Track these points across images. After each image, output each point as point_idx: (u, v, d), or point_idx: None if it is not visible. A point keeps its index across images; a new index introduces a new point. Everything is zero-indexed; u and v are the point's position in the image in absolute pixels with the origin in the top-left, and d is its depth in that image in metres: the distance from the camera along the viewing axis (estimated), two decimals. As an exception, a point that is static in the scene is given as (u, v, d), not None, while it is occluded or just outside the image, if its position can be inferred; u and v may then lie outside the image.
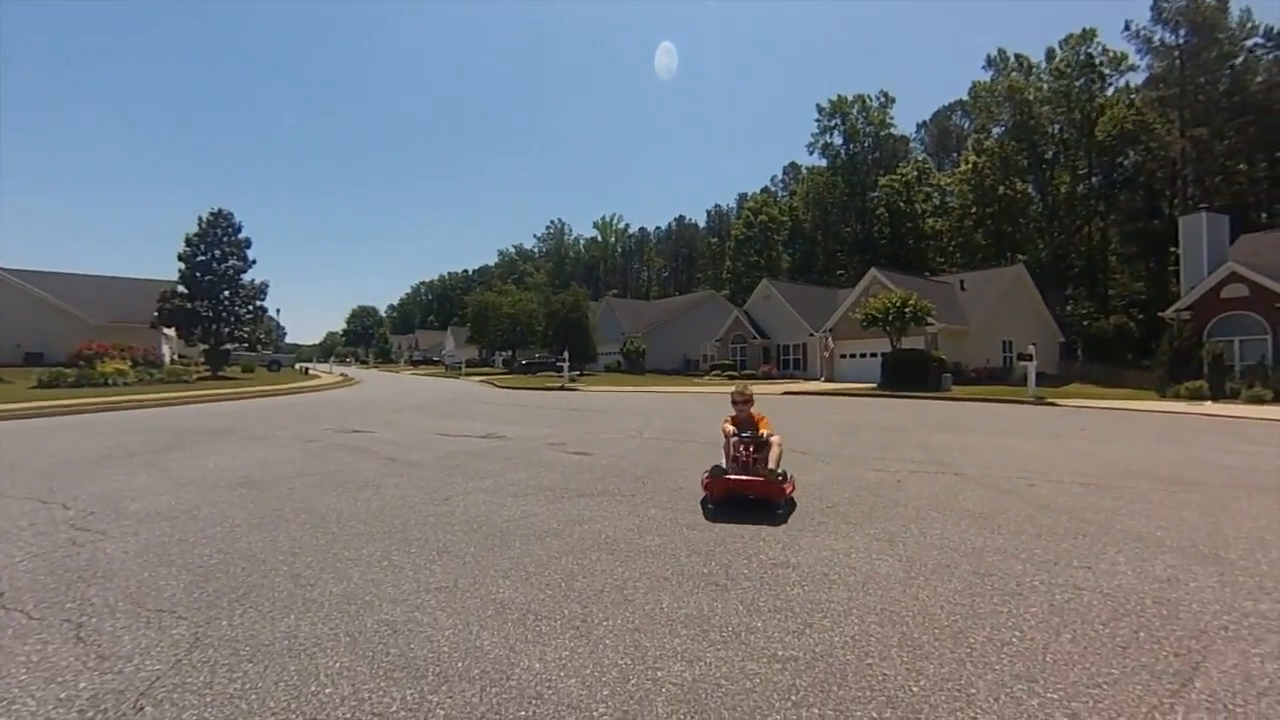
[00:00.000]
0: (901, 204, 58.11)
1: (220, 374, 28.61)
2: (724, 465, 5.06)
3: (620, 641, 2.68)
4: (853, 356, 32.88)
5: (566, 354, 28.13)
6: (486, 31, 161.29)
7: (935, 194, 61.47)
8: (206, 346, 29.80)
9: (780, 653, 2.58)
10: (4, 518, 4.66)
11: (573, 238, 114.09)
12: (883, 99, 65.46)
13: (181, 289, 29.14)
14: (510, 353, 51.74)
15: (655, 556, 3.83)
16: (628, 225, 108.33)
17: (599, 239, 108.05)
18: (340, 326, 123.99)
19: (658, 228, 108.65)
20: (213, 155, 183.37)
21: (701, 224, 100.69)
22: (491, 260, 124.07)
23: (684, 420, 12.53)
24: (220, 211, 29.81)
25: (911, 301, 24.53)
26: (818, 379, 33.70)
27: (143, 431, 10.19)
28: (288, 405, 16.91)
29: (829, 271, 64.97)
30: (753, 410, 5.35)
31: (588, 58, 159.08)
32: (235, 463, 7.15)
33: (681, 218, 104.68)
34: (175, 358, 36.07)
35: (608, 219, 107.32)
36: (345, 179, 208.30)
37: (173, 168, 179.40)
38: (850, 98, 65.10)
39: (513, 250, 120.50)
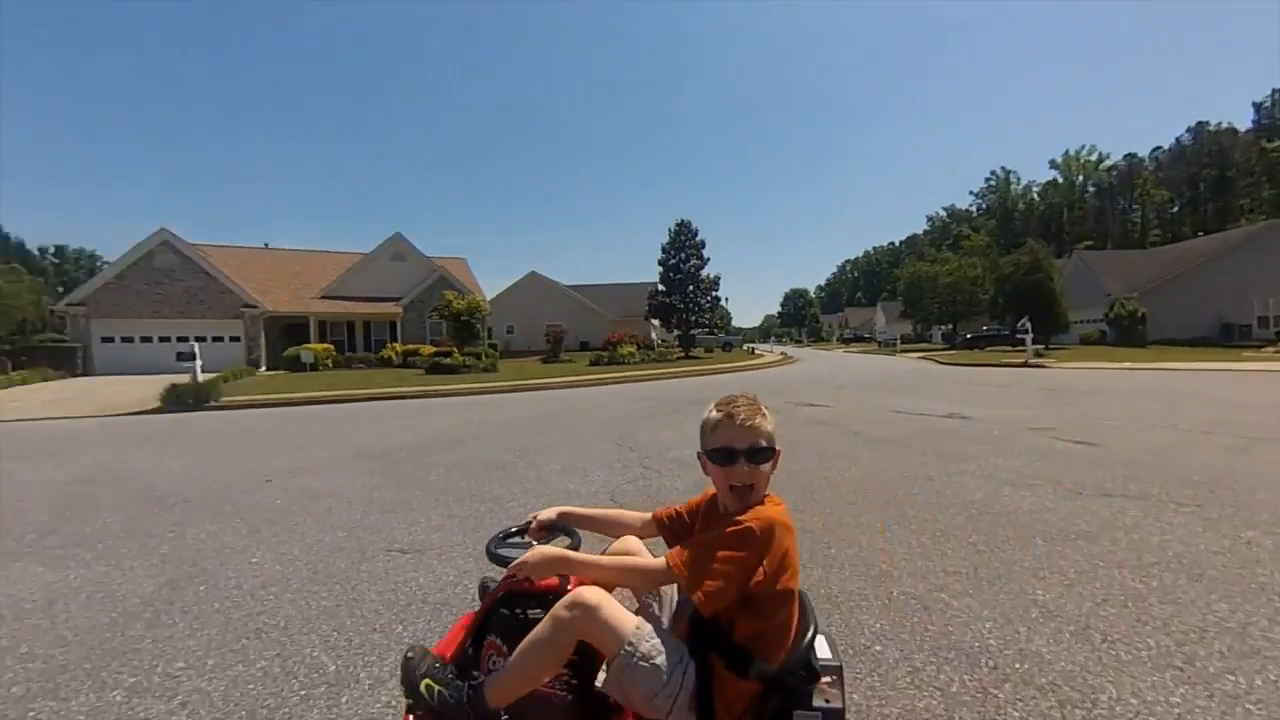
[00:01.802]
0: None
1: (689, 354, 34.95)
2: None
3: (1252, 691, 1.95)
4: None
5: (1028, 324, 23.52)
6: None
7: None
8: (679, 332, 36.81)
9: None
10: (606, 454, 6.67)
11: (1020, 186, 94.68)
12: None
13: (661, 287, 36.78)
14: (949, 326, 46.76)
15: (1264, 592, 2.72)
16: (1104, 156, 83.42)
17: (1059, 181, 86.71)
18: (775, 309, 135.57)
19: (1157, 149, 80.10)
20: (675, 179, 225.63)
21: (1243, 125, 69.42)
22: (920, 228, 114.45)
23: (1240, 410, 8.82)
24: (683, 222, 36.25)
25: None
26: None
27: (652, 399, 13.23)
28: (744, 380, 19.33)
29: None
30: (761, 482, 1.57)
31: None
32: (724, 426, 8.50)
33: (1202, 125, 74.40)
34: (659, 342, 45.92)
35: (1072, 154, 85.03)
36: (769, 173, 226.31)
37: (649, 195, 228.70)
38: None
39: (943, 213, 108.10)
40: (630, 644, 1.40)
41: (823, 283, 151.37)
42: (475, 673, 1.50)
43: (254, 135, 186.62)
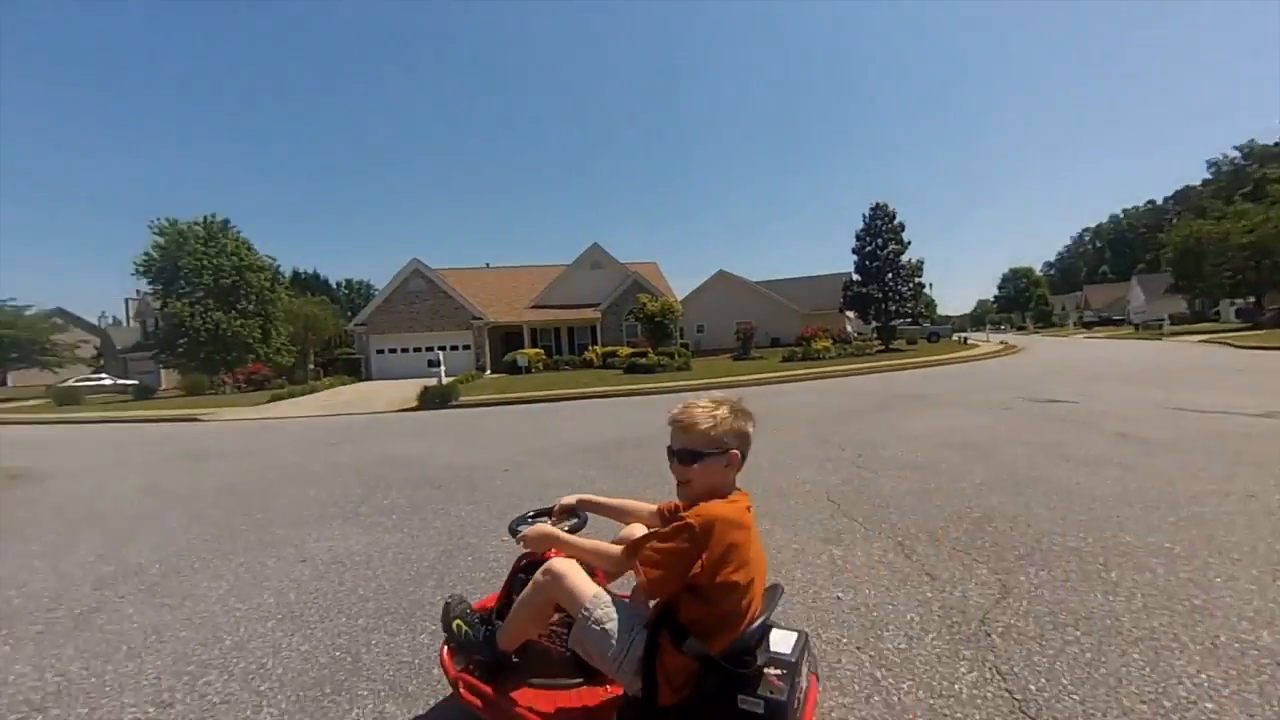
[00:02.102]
0: None
1: (890, 347, 32.19)
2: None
3: None
4: None
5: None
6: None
7: None
8: (878, 324, 34.10)
9: None
10: (812, 451, 6.43)
11: (1370, 104, 69.54)
12: None
13: (856, 277, 34.41)
14: (1249, 300, 36.60)
15: None
16: None
17: None
18: (990, 293, 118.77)
19: None
20: (873, 162, 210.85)
21: None
22: (1196, 178, 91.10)
23: None
24: (879, 204, 33.47)
25: None
26: None
27: (855, 394, 12.41)
28: (959, 373, 17.22)
29: None
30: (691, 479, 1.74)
31: None
32: (943, 425, 7.64)
33: None
34: (856, 335, 43.07)
35: None
36: (979, 137, 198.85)
37: (845, 181, 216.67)
38: None
39: (1236, 154, 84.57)
40: (586, 609, 1.69)
41: (1052, 258, 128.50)
42: (498, 621, 1.91)
43: (478, 169, 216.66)
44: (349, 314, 41.18)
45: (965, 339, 43.72)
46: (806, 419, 9.08)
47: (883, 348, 31.72)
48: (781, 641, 1.66)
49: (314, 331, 38.91)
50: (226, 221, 31.02)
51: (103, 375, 38.41)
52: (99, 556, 4.19)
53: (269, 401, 19.76)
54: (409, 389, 19.41)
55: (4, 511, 5.96)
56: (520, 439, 8.94)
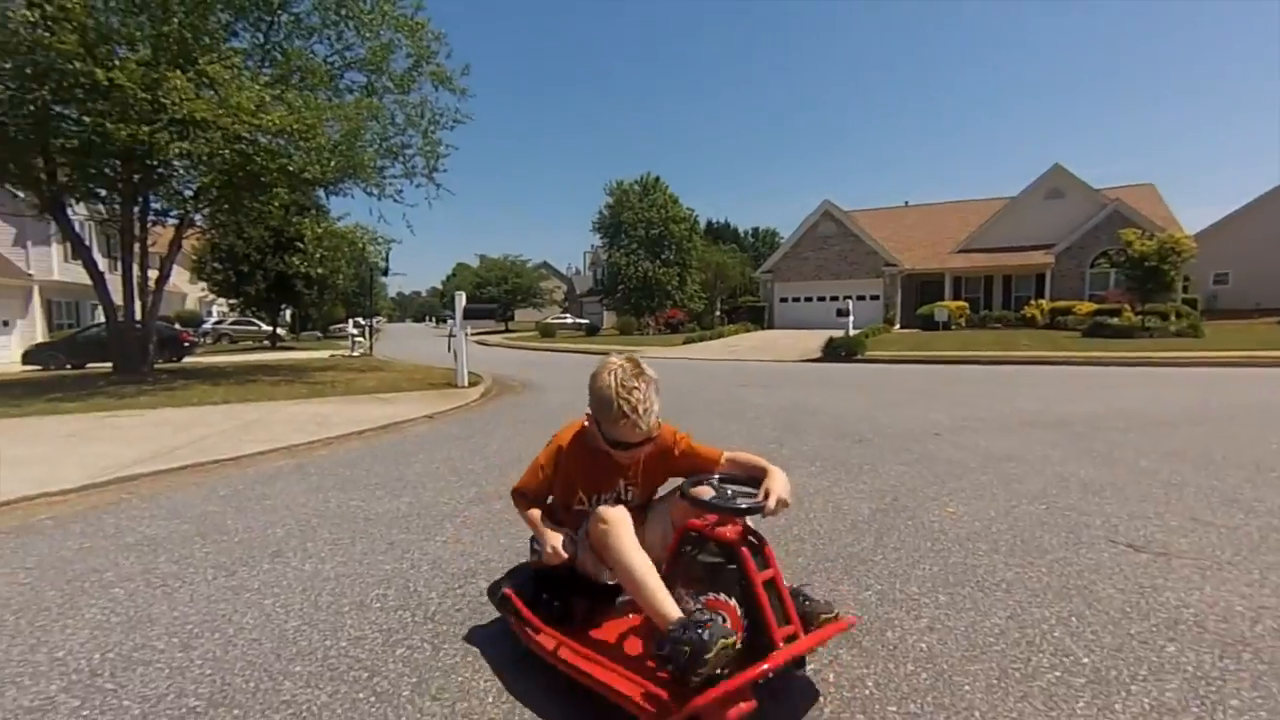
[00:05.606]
0: None
1: None
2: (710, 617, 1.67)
3: None
4: None
5: None
6: None
7: None
8: None
9: None
10: None
11: None
12: None
13: None
14: None
15: None
16: None
17: None
18: None
19: None
20: None
21: None
22: None
23: None
24: None
25: None
26: None
27: None
28: None
29: None
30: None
31: None
32: None
33: None
34: None
35: None
36: None
37: None
38: None
39: None
40: None
41: None
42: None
43: (900, 99, 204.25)
44: (755, 262, 44.79)
45: None
46: None
47: None
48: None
49: (722, 279, 43.85)
50: (658, 178, 37.20)
51: (566, 315, 51.91)
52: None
53: (683, 344, 23.27)
54: (811, 339, 20.10)
55: (526, 410, 8.64)
56: (947, 402, 8.23)
